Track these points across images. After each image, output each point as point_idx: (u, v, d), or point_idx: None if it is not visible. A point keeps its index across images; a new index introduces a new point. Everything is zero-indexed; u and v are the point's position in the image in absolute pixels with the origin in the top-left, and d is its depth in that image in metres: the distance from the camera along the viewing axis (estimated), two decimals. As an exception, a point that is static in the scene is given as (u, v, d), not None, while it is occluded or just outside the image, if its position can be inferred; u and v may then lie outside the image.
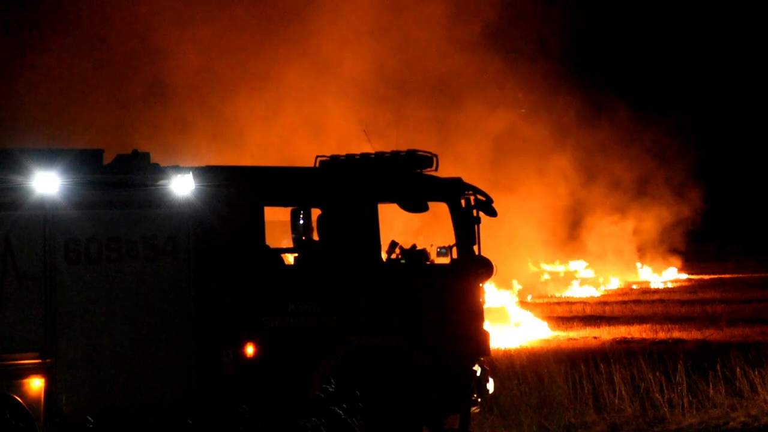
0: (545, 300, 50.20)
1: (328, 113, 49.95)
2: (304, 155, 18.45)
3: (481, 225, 17.59)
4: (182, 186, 16.30)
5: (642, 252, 69.42)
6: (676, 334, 32.39)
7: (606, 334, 33.29)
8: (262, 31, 51.10)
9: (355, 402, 16.45)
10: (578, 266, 62.79)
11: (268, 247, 16.96)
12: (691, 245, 74.33)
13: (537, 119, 60.36)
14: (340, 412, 16.24)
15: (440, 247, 17.62)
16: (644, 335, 32.44)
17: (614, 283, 62.31)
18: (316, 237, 17.82)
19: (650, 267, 67.59)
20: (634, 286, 60.45)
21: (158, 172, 16.38)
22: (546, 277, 60.58)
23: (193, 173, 16.42)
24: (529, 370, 21.36)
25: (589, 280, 60.17)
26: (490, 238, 18.39)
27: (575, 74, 64.96)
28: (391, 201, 17.52)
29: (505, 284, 42.85)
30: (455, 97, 55.78)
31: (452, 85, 56.68)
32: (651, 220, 70.18)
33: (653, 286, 60.46)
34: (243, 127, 48.09)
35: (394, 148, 17.92)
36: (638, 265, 67.71)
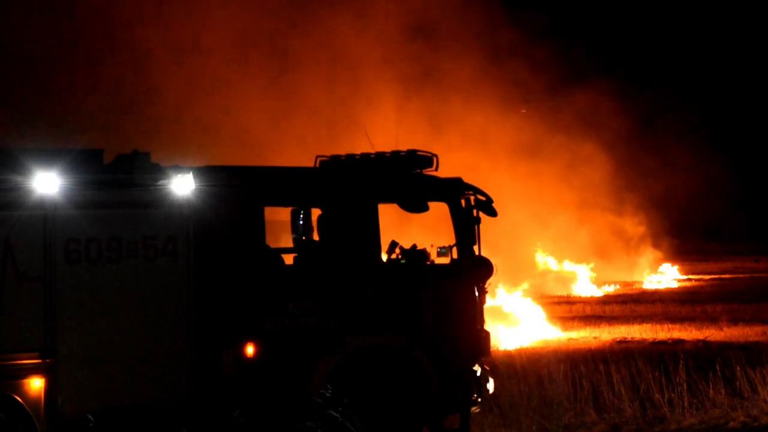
0: (546, 300, 50.07)
1: (332, 115, 50.02)
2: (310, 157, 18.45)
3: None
4: (182, 186, 16.28)
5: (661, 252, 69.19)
6: (676, 334, 32.37)
7: (606, 334, 33.26)
8: (265, 30, 51.18)
9: (355, 402, 16.44)
10: (582, 266, 62.65)
11: (268, 247, 16.96)
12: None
13: (543, 113, 60.45)
14: (340, 412, 16.21)
15: (440, 247, 17.61)
16: (644, 335, 32.42)
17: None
18: (316, 237, 17.82)
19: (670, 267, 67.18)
20: (635, 286, 60.34)
21: (158, 172, 16.36)
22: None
23: (193, 173, 16.41)
24: (529, 370, 21.36)
25: (594, 279, 60.00)
26: (492, 236, 18.38)
27: (585, 64, 64.99)
28: (391, 201, 17.51)
29: (513, 282, 42.75)
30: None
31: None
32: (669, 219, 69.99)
33: (664, 285, 60.26)
34: (244, 127, 48.12)
35: (394, 148, 17.92)
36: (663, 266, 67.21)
